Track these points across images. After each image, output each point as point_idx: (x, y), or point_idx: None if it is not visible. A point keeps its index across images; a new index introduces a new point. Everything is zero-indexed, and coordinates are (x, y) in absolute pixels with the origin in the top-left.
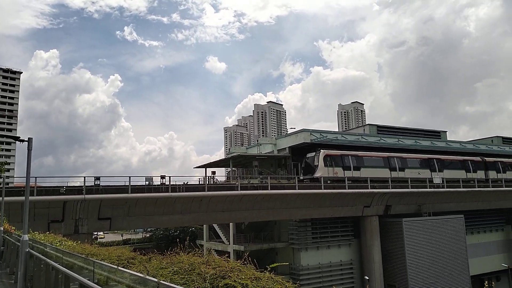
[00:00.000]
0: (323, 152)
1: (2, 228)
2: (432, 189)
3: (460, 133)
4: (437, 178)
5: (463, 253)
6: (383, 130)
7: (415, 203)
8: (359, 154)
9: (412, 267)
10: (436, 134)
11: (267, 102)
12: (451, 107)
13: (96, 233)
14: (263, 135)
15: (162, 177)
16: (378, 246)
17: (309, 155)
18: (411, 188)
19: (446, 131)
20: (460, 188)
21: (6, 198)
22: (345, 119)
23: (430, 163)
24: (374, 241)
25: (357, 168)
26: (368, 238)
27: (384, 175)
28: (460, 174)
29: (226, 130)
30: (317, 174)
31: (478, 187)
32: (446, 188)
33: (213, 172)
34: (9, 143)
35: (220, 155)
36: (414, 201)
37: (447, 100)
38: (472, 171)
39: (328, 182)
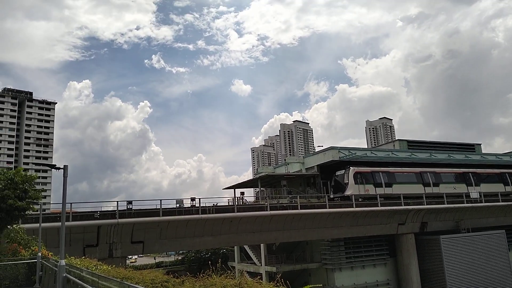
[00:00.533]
0: (352, 170)
1: (40, 254)
2: (470, 204)
3: (496, 146)
4: (474, 192)
5: (506, 270)
6: (414, 145)
7: (452, 219)
8: (391, 170)
9: (453, 286)
10: (470, 147)
11: (293, 121)
12: (484, 119)
13: (130, 256)
14: (290, 154)
15: (192, 199)
16: (415, 265)
17: (338, 173)
18: (447, 203)
19: (480, 144)
20: (499, 202)
21: (43, 225)
22: (373, 135)
23: (466, 177)
24: (411, 259)
25: (388, 185)
26: (404, 257)
27: (418, 191)
28: (498, 187)
29: (253, 150)
30: (348, 192)
31: None
32: (485, 202)
33: (242, 193)
34: (45, 171)
35: (248, 175)
36: (451, 217)
37: (479, 112)
38: (510, 184)
39: (360, 200)
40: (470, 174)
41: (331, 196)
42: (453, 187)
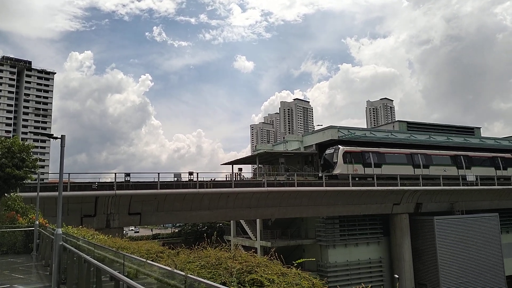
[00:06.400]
0: (342, 149)
1: (37, 222)
2: (465, 187)
3: (495, 130)
4: (470, 175)
5: (497, 252)
6: (413, 126)
7: (447, 201)
8: (381, 150)
9: (444, 266)
10: (470, 131)
11: (294, 99)
12: (485, 103)
13: (133, 228)
14: (289, 132)
15: (190, 173)
16: (408, 245)
17: (328, 151)
18: (443, 185)
19: (480, 128)
20: (494, 185)
21: (41, 194)
22: (373, 116)
23: (457, 160)
24: (404, 239)
25: (378, 165)
26: (398, 236)
27: (407, 172)
28: (489, 171)
29: (252, 127)
30: (336, 171)
31: None
32: (480, 186)
33: (240, 169)
34: (44, 141)
35: (246, 152)
36: (446, 199)
37: (480, 96)
38: (502, 168)
39: (348, 179)
40: (461, 157)
41: (320, 175)
42: (443, 169)
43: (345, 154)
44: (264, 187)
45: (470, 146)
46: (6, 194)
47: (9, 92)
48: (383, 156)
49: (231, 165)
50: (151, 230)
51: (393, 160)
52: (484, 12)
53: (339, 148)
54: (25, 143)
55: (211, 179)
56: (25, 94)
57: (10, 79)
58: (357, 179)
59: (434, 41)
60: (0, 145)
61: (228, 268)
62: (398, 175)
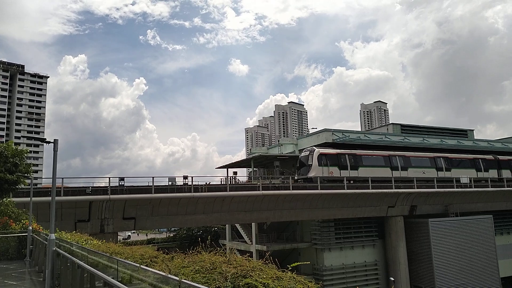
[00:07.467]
0: (317, 151)
1: (31, 228)
2: (459, 189)
3: (487, 132)
4: (464, 177)
5: (492, 254)
6: (407, 129)
7: (441, 203)
8: (357, 153)
9: (439, 268)
10: (463, 133)
11: (288, 102)
12: (477, 106)
13: (127, 233)
14: (284, 136)
15: (185, 177)
16: (403, 247)
17: (303, 154)
18: (437, 188)
19: (473, 130)
20: (488, 188)
21: (34, 199)
22: (368, 118)
23: (436, 161)
24: (400, 241)
25: (354, 168)
26: (393, 238)
27: (385, 174)
28: (470, 173)
29: (247, 130)
30: (311, 174)
31: (507, 187)
32: (474, 188)
33: (235, 173)
34: (37, 146)
35: (241, 155)
36: (440, 201)
37: (473, 99)
38: (483, 170)
39: (325, 181)
40: (441, 158)
41: (296, 178)
42: (422, 171)
43: (320, 156)
44: (259, 190)
45: (464, 149)
46: None
47: (2, 96)
48: (359, 158)
49: (226, 169)
50: (146, 235)
51: (370, 163)
52: (476, 15)
53: (314, 150)
54: (19, 148)
55: (206, 183)
56: (18, 98)
57: (3, 83)
58: (350, 182)
59: (426, 44)
60: None
61: (223, 272)
62: (371, 177)
